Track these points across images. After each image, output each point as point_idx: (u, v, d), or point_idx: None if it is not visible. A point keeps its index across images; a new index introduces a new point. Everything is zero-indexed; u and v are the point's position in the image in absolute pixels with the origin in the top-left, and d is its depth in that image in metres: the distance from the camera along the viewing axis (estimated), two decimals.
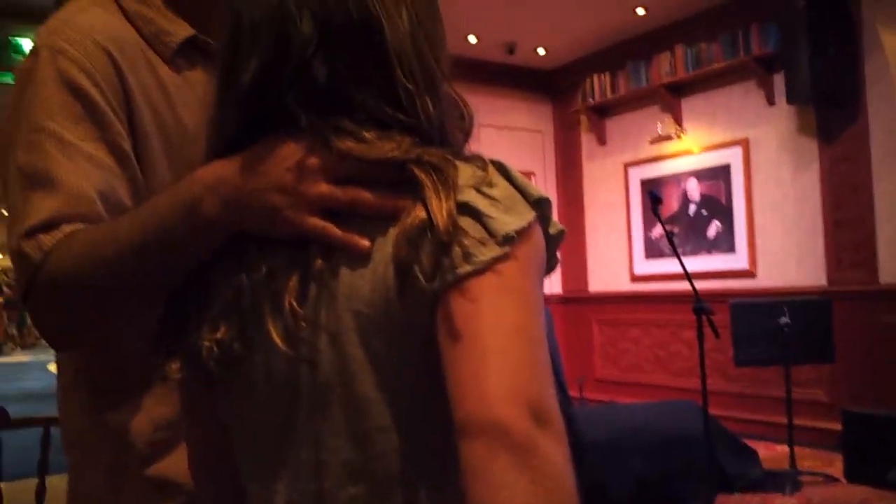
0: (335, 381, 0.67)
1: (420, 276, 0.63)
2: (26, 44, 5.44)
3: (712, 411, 3.78)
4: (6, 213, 0.88)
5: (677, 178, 6.17)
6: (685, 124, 6.14)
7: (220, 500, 0.83)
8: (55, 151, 0.87)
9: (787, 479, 3.97)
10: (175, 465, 0.94)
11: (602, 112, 6.84)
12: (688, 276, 3.66)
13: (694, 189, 6.06)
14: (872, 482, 3.96)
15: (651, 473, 3.69)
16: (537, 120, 7.29)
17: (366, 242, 0.67)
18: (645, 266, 6.50)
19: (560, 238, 0.71)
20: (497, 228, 0.63)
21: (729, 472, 3.93)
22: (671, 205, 6.17)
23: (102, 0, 1.00)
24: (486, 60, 6.69)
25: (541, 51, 6.68)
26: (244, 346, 0.70)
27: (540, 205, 0.67)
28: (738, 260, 5.74)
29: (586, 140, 7.06)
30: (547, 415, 0.56)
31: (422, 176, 0.65)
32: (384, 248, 0.66)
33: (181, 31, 1.02)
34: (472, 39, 6.20)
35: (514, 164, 0.70)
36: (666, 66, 6.13)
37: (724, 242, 5.83)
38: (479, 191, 0.65)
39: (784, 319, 4.02)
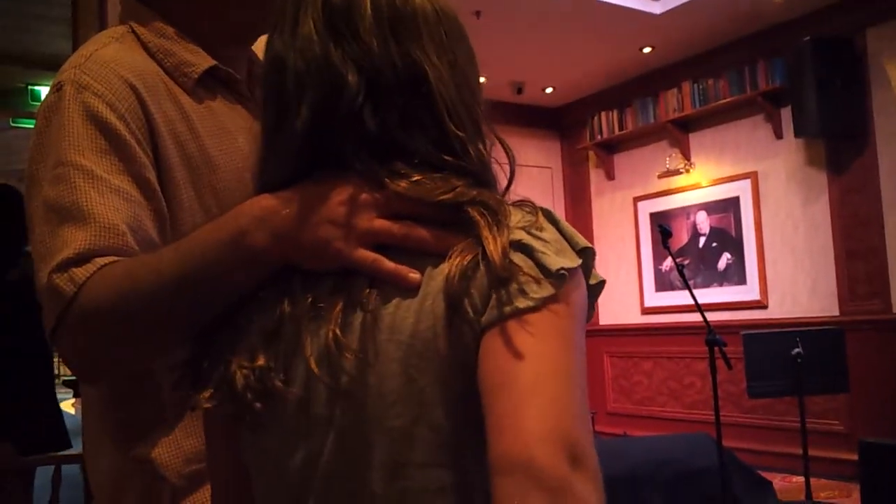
0: (374, 414, 0.66)
1: (469, 310, 0.64)
2: (44, 92, 5.49)
3: (727, 443, 3.76)
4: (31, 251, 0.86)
5: (686, 211, 6.20)
6: (693, 158, 6.18)
7: None
8: (84, 184, 0.86)
9: None
10: (208, 498, 0.93)
11: (610, 148, 6.89)
12: (699, 308, 3.67)
13: (703, 222, 6.07)
14: None
15: None
16: (546, 156, 7.36)
17: (416, 275, 0.67)
18: (655, 298, 6.49)
19: (600, 289, 0.71)
20: (550, 265, 0.63)
21: None
22: (681, 237, 6.19)
23: (122, 35, 1.01)
24: (496, 100, 6.76)
25: (549, 89, 6.77)
26: (282, 376, 0.69)
27: (585, 254, 0.68)
28: (749, 291, 5.73)
29: (595, 175, 7.11)
30: (583, 456, 0.56)
31: (476, 216, 0.66)
32: (433, 281, 0.66)
33: (202, 61, 1.02)
34: (482, 79, 6.26)
35: None
36: (673, 103, 6.17)
37: (735, 274, 5.83)
38: (529, 233, 0.66)
39: (797, 350, 4.01)
